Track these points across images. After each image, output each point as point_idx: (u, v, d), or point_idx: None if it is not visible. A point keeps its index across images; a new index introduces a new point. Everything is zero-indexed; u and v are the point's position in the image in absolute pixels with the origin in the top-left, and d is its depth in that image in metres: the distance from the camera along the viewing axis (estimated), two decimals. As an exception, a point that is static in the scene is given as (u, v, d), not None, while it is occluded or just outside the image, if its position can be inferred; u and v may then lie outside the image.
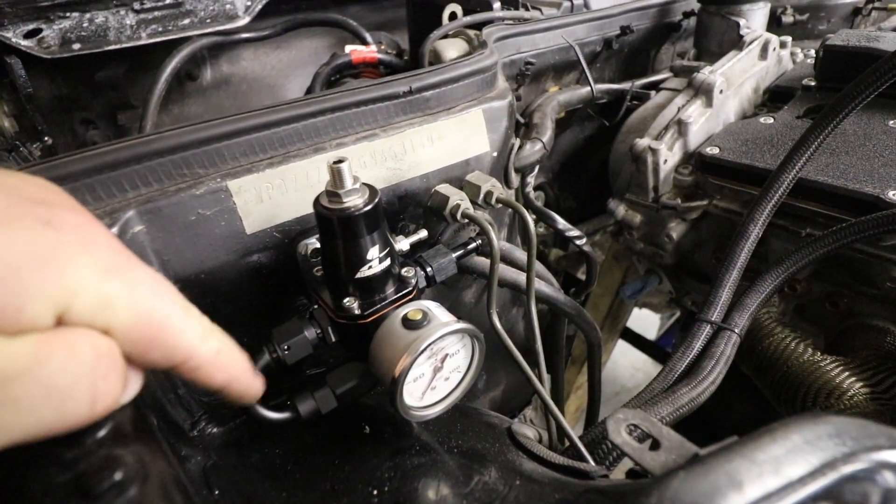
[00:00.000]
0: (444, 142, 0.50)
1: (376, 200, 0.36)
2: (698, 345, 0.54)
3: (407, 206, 0.48)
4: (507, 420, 0.52)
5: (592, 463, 0.41)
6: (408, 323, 0.35)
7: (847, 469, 0.25)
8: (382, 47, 0.96)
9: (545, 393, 0.46)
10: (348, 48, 0.89)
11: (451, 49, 0.72)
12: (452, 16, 0.83)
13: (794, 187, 0.60)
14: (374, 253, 0.36)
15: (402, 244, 0.42)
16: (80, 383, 0.21)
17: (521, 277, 0.52)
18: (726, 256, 0.59)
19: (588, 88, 0.82)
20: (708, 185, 0.71)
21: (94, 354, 0.22)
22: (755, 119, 0.73)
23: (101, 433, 0.22)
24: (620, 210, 0.80)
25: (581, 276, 1.80)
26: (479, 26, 0.76)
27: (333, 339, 0.39)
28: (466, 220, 0.47)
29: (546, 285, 0.54)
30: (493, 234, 0.44)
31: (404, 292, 0.39)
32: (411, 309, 0.36)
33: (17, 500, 0.20)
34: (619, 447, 0.31)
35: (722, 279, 0.57)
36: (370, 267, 0.36)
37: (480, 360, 0.38)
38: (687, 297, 0.88)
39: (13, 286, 0.20)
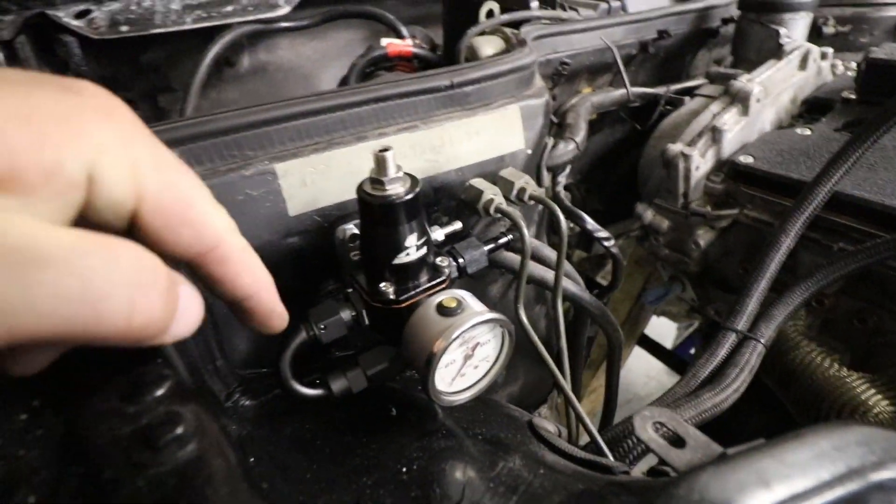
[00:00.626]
0: (480, 137, 0.50)
1: (417, 190, 0.36)
2: (723, 352, 0.54)
3: (441, 198, 0.49)
4: (526, 414, 0.52)
5: (611, 458, 0.41)
6: (443, 310, 0.36)
7: (875, 477, 0.25)
8: (417, 41, 0.97)
9: (568, 388, 0.47)
10: (384, 41, 0.90)
11: (488, 46, 0.73)
12: (490, 13, 0.84)
13: (829, 201, 0.60)
14: (411, 241, 0.37)
15: (438, 234, 0.43)
16: (119, 289, 0.20)
17: (548, 275, 0.53)
18: (756, 266, 0.58)
19: (622, 91, 0.82)
20: (739, 193, 0.70)
21: (135, 265, 0.21)
22: (792, 130, 0.72)
23: (161, 391, 0.24)
24: (648, 214, 0.80)
25: (601, 279, 1.79)
26: (515, 25, 0.76)
27: (367, 322, 0.40)
28: (499, 215, 0.48)
29: (573, 284, 0.55)
30: (525, 230, 0.45)
31: (438, 281, 0.40)
32: (446, 297, 0.37)
33: (85, 450, 0.21)
34: (646, 443, 0.31)
35: (750, 288, 0.57)
36: (407, 254, 0.37)
37: (510, 351, 0.39)
38: (710, 307, 0.87)
39: (45, 138, 0.19)
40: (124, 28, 0.81)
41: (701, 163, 0.72)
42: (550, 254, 0.55)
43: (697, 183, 0.73)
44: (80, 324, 0.19)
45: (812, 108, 0.78)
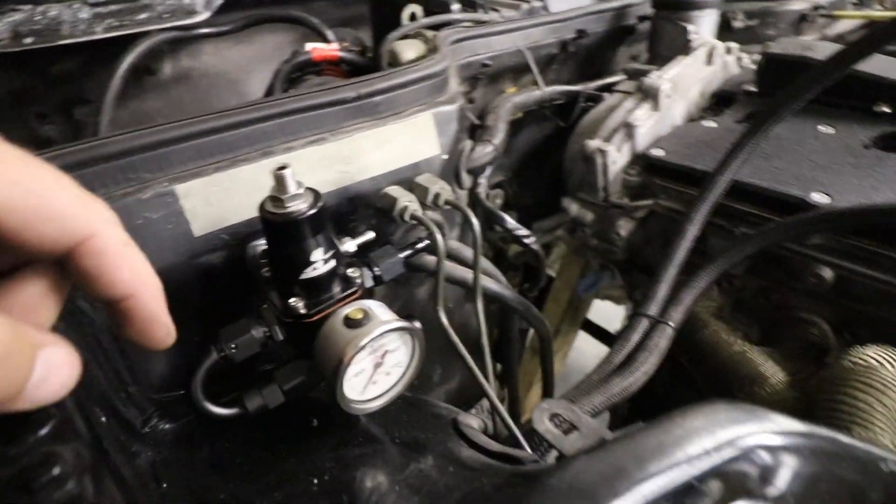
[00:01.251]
0: (393, 145, 0.51)
1: (319, 205, 0.37)
2: (636, 337, 0.57)
3: (357, 208, 0.50)
4: (455, 411, 0.54)
5: (528, 450, 0.44)
6: (349, 322, 0.37)
7: (729, 452, 0.27)
8: (345, 44, 0.97)
9: (487, 385, 0.49)
10: (308, 46, 0.89)
11: (409, 50, 0.74)
12: (412, 17, 0.85)
13: (731, 189, 0.64)
14: (318, 255, 0.38)
15: (349, 245, 0.44)
16: None
17: (469, 275, 0.54)
18: (665, 254, 0.62)
19: (547, 91, 0.84)
20: (654, 185, 0.74)
21: None
22: (699, 123, 0.77)
23: (43, 431, 0.24)
24: (573, 208, 0.83)
25: (551, 270, 1.84)
26: (437, 27, 0.77)
27: (281, 338, 0.41)
28: (415, 222, 0.49)
29: (494, 282, 0.57)
30: (437, 235, 0.47)
31: (349, 292, 0.41)
32: (352, 308, 0.38)
33: (-41, 495, 0.21)
34: (542, 434, 0.34)
35: (660, 276, 0.61)
36: (314, 269, 0.38)
37: (421, 356, 0.41)
38: (637, 292, 0.92)
39: None
40: (28, 40, 0.77)
41: (617, 157, 0.75)
42: (470, 254, 0.57)
43: (615, 176, 0.77)
44: None
45: (719, 100, 0.83)
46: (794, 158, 0.65)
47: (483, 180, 0.65)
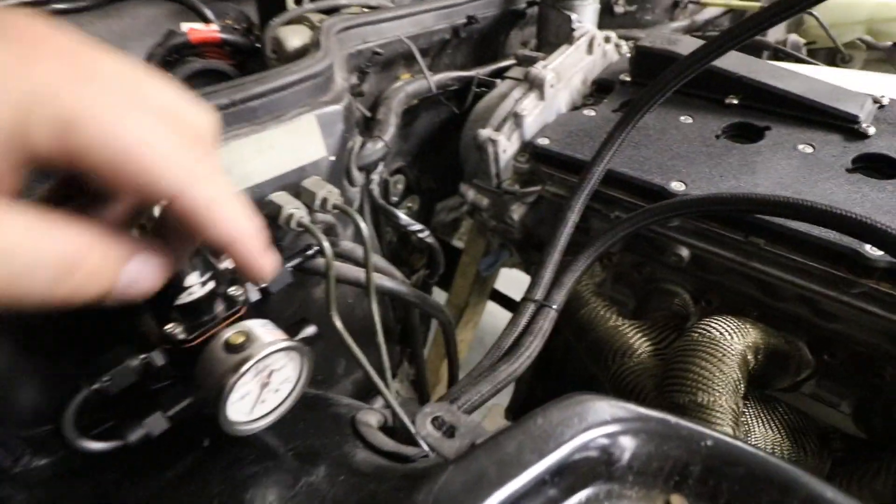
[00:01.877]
0: (275, 151, 0.50)
1: (191, 229, 0.36)
2: (524, 321, 0.62)
3: (240, 218, 0.49)
4: (357, 407, 0.56)
5: (425, 445, 0.47)
6: (229, 347, 0.37)
7: (578, 444, 0.32)
8: (227, 22, 0.91)
9: (380, 381, 0.51)
10: (185, 26, 0.83)
11: (295, 37, 0.71)
12: (298, 0, 0.81)
13: (605, 177, 0.69)
14: (193, 279, 0.37)
15: (228, 262, 0.43)
16: (40, 271, 0.21)
17: (363, 274, 0.56)
18: (549, 241, 0.67)
19: (438, 77, 0.85)
20: (541, 172, 0.79)
21: (62, 249, 0.22)
22: (580, 111, 0.81)
23: None
24: (470, 194, 0.86)
25: (457, 242, 1.88)
26: (326, 12, 0.75)
27: (160, 363, 0.40)
28: (301, 229, 0.49)
29: (388, 279, 0.58)
30: (324, 244, 0.47)
31: (231, 312, 0.41)
32: (233, 332, 0.38)
33: None
34: (423, 440, 0.36)
35: (545, 261, 0.66)
36: (190, 293, 0.37)
37: (309, 370, 0.42)
38: (533, 268, 0.98)
39: None
40: None
41: (507, 146, 0.79)
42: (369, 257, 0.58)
43: (506, 164, 0.80)
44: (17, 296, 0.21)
45: (599, 88, 0.88)
46: (658, 147, 0.71)
47: (375, 176, 0.66)
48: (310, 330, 0.54)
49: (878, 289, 0.54)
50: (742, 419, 0.53)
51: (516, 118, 0.78)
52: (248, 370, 0.36)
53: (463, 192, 0.87)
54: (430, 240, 0.68)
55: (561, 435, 0.32)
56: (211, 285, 0.39)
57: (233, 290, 0.42)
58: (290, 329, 0.54)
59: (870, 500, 0.44)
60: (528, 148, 0.79)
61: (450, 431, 0.37)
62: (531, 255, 0.97)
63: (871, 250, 0.53)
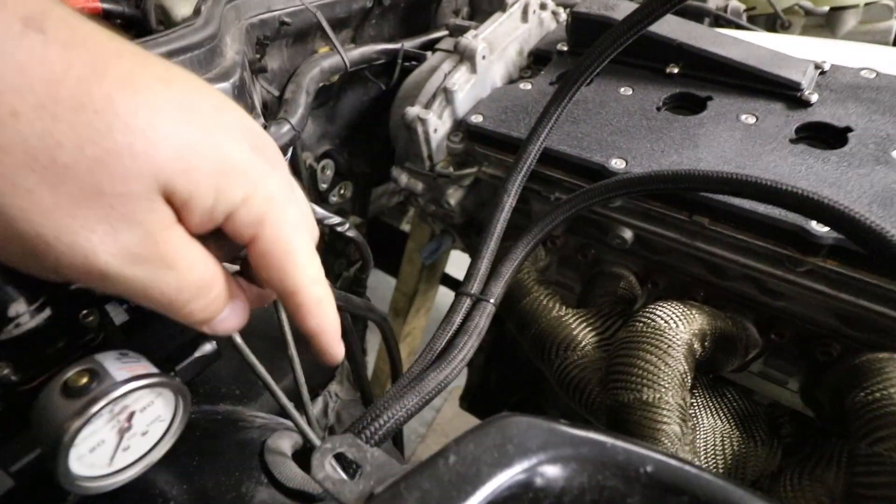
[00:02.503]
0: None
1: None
2: (458, 319, 0.56)
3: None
4: (272, 428, 0.50)
5: (322, 489, 0.41)
6: (69, 390, 0.29)
7: (501, 482, 0.27)
8: (116, -8, 0.79)
9: (285, 399, 0.44)
10: (60, -4, 0.71)
11: (183, 5, 0.62)
12: (190, -39, 0.71)
13: (543, 156, 0.64)
14: (18, 308, 0.30)
15: (78, 282, 0.36)
16: (194, 301, 0.27)
17: (269, 280, 0.48)
18: (483, 228, 0.61)
19: (361, 50, 0.77)
20: (476, 152, 0.72)
21: (212, 295, 0.28)
22: (516, 85, 0.75)
23: None
24: (403, 178, 0.79)
25: (405, 226, 1.81)
26: (222, -23, 0.65)
27: (-6, 411, 0.32)
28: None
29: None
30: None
31: (83, 342, 0.33)
32: (73, 372, 0.30)
33: None
34: (321, 483, 0.30)
35: (480, 251, 0.60)
36: (18, 325, 0.30)
37: (186, 406, 0.35)
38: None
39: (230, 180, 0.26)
40: None
41: (438, 125, 0.72)
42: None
43: (439, 145, 0.74)
44: (155, 303, 0.26)
45: (536, 60, 0.82)
46: (597, 122, 0.66)
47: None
48: (207, 348, 0.47)
49: (825, 266, 0.51)
50: (690, 412, 0.50)
51: (447, 94, 0.72)
52: (92, 417, 0.28)
53: (395, 176, 0.80)
54: (352, 233, 0.61)
55: (476, 476, 0.27)
56: (47, 312, 0.31)
57: (84, 316, 0.34)
58: (184, 348, 0.47)
59: (822, 495, 0.42)
60: (461, 126, 0.73)
61: (354, 471, 0.31)
62: (474, 239, 0.92)
63: (816, 227, 0.50)
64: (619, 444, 0.29)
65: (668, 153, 0.60)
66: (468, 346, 0.53)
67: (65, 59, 0.21)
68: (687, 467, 0.28)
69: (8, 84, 0.20)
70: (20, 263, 0.24)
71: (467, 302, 0.58)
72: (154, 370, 0.32)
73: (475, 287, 0.59)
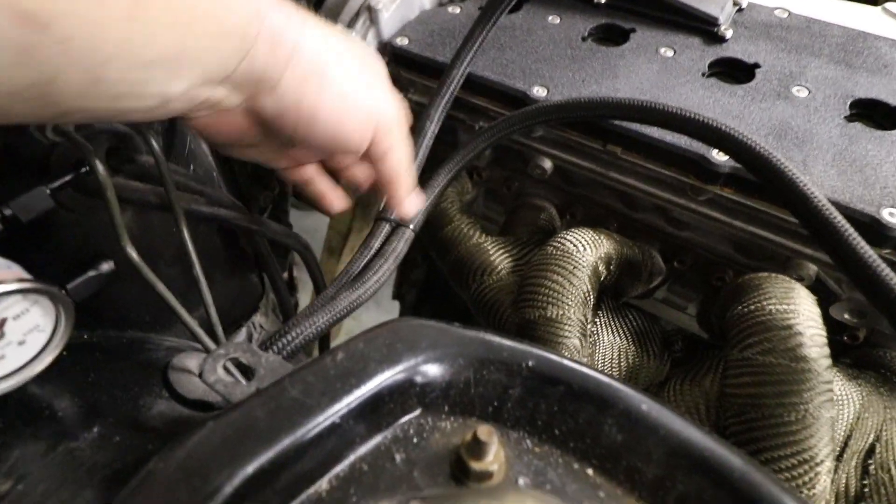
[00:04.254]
0: None
1: None
2: (377, 244, 0.56)
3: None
4: (178, 349, 0.49)
5: (213, 393, 0.40)
6: (-78, 293, 0.27)
7: (379, 379, 0.27)
8: None
9: (188, 317, 0.43)
10: None
11: None
12: None
13: (468, 83, 0.63)
14: None
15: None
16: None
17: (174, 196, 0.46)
18: (405, 154, 0.60)
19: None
20: (402, 78, 0.70)
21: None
22: (445, 8, 0.73)
23: None
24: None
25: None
26: None
27: None
28: (59, 138, 0.38)
29: (206, 203, 0.49)
30: (90, 156, 0.37)
31: (-57, 247, 0.30)
32: (-72, 274, 0.28)
33: None
34: (212, 386, 0.30)
35: None
36: None
37: (69, 315, 0.33)
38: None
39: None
40: None
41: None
42: (171, 171, 0.48)
43: (363, 68, 0.71)
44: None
45: (467, -18, 0.79)
46: (523, 50, 0.65)
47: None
48: (104, 267, 0.45)
49: (722, 195, 0.54)
50: (591, 328, 0.53)
51: (371, 13, 0.68)
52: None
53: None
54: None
55: (362, 371, 0.27)
56: None
57: (-58, 219, 0.31)
58: (78, 266, 0.44)
59: (699, 398, 0.46)
60: (385, 49, 0.70)
61: (251, 374, 0.31)
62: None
63: (716, 156, 0.52)
64: (504, 341, 0.31)
65: (589, 83, 0.61)
66: (383, 270, 0.53)
67: None
68: (565, 361, 0.30)
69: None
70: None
71: (386, 227, 0.57)
72: (25, 276, 0.30)
73: (395, 213, 0.58)
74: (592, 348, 0.52)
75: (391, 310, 1.74)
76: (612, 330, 0.56)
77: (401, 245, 0.56)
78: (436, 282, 1.14)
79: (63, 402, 0.35)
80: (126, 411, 0.35)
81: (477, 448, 0.26)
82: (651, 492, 0.27)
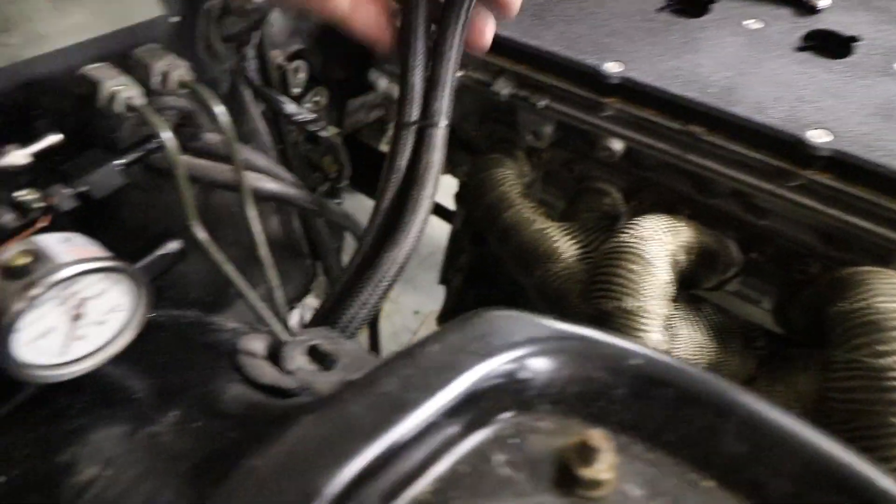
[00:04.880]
0: (87, 4, 0.36)
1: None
2: (403, 162, 0.45)
3: (39, 99, 0.36)
4: (244, 332, 0.48)
5: (294, 382, 0.39)
6: (9, 271, 0.26)
7: (484, 372, 0.25)
8: None
9: (256, 299, 0.42)
10: None
11: None
12: None
13: (533, 58, 0.60)
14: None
15: (15, 157, 0.31)
16: None
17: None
18: (403, 45, 0.44)
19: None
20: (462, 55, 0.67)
21: None
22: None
23: None
24: (382, 82, 0.74)
25: (385, 147, 1.75)
26: None
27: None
28: (132, 113, 0.37)
29: (272, 181, 0.48)
30: (163, 132, 0.36)
31: (24, 224, 0.30)
32: (14, 252, 0.27)
33: None
34: (293, 374, 0.29)
35: (408, 64, 0.44)
36: (-60, 198, 0.26)
37: (148, 298, 0.32)
38: (459, 169, 0.89)
39: None
40: None
41: (422, 20, 0.66)
42: (241, 148, 0.47)
43: (422, 44, 0.68)
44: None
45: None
46: (593, 23, 0.61)
47: (251, 50, 0.52)
48: (171, 245, 0.44)
49: (817, 180, 0.50)
50: (670, 323, 0.50)
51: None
52: (35, 300, 0.26)
53: (373, 80, 0.74)
54: (325, 133, 0.56)
55: (460, 364, 0.25)
56: (-25, 188, 0.27)
57: (24, 195, 0.30)
58: (146, 246, 0.43)
59: (792, 401, 0.42)
60: (446, 24, 0.67)
61: (328, 363, 0.30)
62: (456, 155, 0.88)
63: (814, 138, 0.48)
64: (607, 338, 0.28)
65: (667, 57, 0.57)
66: (422, 202, 0.44)
67: None
68: (673, 362, 0.28)
69: None
70: None
71: (409, 135, 0.45)
72: (106, 254, 0.29)
73: (414, 112, 0.45)
74: (672, 343, 0.49)
75: (430, 292, 1.73)
76: (690, 324, 0.52)
77: (435, 155, 0.47)
78: (482, 267, 1.12)
79: (138, 384, 0.35)
80: (200, 395, 0.34)
81: (586, 454, 0.24)
82: (780, 510, 0.24)
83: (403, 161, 0.44)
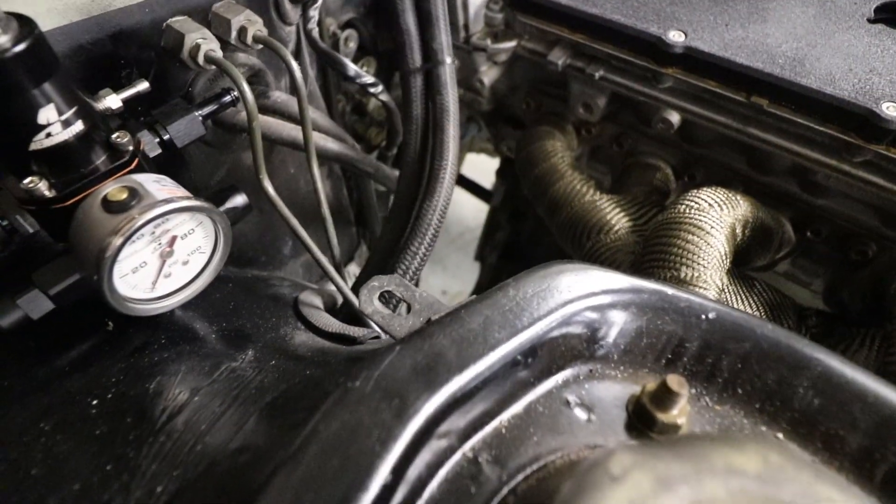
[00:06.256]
0: (170, -44, 0.38)
1: (34, 37, 0.26)
2: (419, 110, 0.48)
3: (128, 49, 0.37)
4: (302, 288, 0.50)
5: (371, 324, 0.41)
6: (109, 205, 0.28)
7: (557, 319, 0.26)
8: None
9: (323, 257, 0.44)
10: None
11: None
12: None
13: (591, 27, 0.59)
14: (49, 115, 0.27)
15: (110, 101, 0.33)
16: None
17: (300, 133, 0.46)
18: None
19: None
20: (517, 23, 0.67)
21: None
22: (565, -53, 0.68)
23: None
24: (433, 51, 0.74)
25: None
26: None
27: (31, 231, 0.31)
28: (212, 66, 0.38)
29: (333, 141, 0.49)
30: (242, 84, 0.37)
31: (117, 164, 0.31)
32: (114, 187, 0.29)
33: None
34: (369, 317, 0.30)
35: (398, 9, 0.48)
36: (48, 134, 0.28)
37: (227, 238, 0.33)
38: (503, 144, 0.89)
39: None
40: None
41: (478, -12, 0.66)
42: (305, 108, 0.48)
43: (477, 12, 0.67)
44: None
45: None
46: (656, -9, 0.60)
47: (314, 13, 0.53)
48: (238, 199, 0.45)
49: (887, 154, 0.48)
50: (723, 295, 0.49)
51: (489, -48, 0.64)
52: (134, 233, 0.27)
53: (425, 49, 0.74)
54: (385, 97, 0.57)
55: (537, 308, 0.26)
56: (79, 126, 0.29)
57: (117, 137, 0.32)
58: (215, 198, 0.45)
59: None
60: (502, -9, 0.67)
61: (402, 308, 0.31)
62: (501, 129, 0.88)
63: (887, 110, 0.46)
64: (681, 293, 0.29)
65: (734, 27, 0.55)
66: (449, 148, 0.44)
67: None
68: (749, 317, 0.28)
69: None
70: None
71: (417, 80, 0.46)
72: (191, 196, 0.30)
73: (416, 57, 0.47)
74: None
75: (458, 273, 1.74)
76: (742, 298, 0.52)
77: (449, 95, 0.47)
78: (517, 243, 1.12)
79: (214, 325, 0.36)
80: (272, 339, 0.36)
81: (665, 398, 0.24)
82: (856, 463, 0.24)
83: (419, 109, 0.44)
